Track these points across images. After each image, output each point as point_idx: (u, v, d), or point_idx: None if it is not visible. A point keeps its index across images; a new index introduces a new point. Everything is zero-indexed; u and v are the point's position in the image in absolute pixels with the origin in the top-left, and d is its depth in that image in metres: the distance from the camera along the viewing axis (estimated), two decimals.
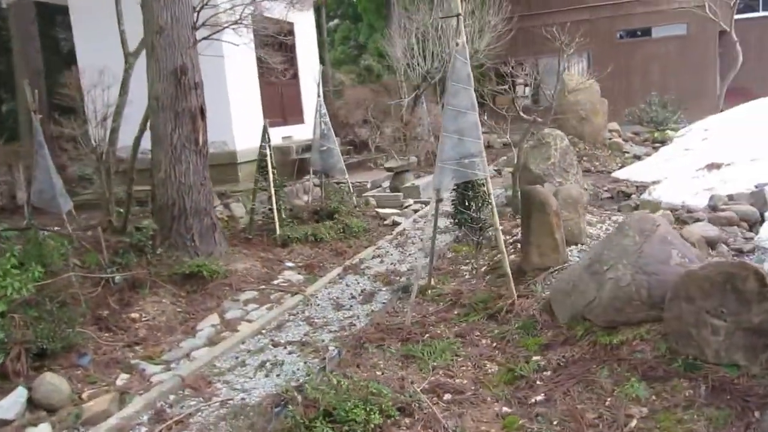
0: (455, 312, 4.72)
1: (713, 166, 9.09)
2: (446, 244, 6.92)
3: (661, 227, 3.41)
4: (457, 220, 4.84)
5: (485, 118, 8.01)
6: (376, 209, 8.90)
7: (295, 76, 12.93)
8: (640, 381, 2.89)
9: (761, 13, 19.85)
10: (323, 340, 4.56)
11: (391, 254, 6.74)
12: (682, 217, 6.86)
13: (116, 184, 6.89)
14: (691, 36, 17.31)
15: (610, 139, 11.83)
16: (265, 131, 7.49)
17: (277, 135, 11.38)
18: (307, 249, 6.98)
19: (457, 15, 4.46)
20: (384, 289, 5.58)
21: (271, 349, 4.54)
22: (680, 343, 2.89)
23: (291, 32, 12.29)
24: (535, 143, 8.20)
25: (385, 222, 8.27)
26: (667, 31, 17.59)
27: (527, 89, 19.61)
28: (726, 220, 6.59)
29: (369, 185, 10.80)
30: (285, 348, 4.52)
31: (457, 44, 4.45)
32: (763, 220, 6.68)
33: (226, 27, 7.21)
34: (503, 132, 7.92)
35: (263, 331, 4.86)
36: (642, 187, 9.30)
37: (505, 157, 14.67)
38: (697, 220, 6.69)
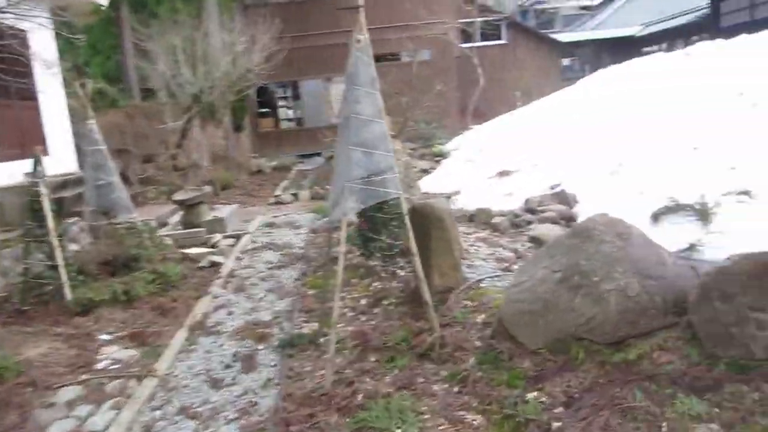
0: (373, 359, 3.94)
1: (504, 174, 9.79)
2: (294, 279, 6.03)
3: (634, 228, 3.19)
4: (364, 250, 4.07)
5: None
6: (182, 250, 7.46)
7: (33, 97, 10.43)
8: (689, 395, 2.57)
9: (499, 42, 22.98)
10: None
11: (238, 302, 5.57)
12: (514, 221, 7.07)
13: None
14: (434, 61, 18.97)
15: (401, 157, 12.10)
16: (36, 163, 5.65)
17: (13, 171, 8.94)
18: (118, 312, 5.39)
19: (358, 6, 3.74)
20: (261, 347, 4.46)
21: None
22: (720, 345, 2.66)
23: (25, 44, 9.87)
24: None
25: (201, 264, 6.95)
26: (413, 56, 18.99)
27: (290, 111, 19.34)
28: (550, 220, 6.99)
29: (154, 223, 9.13)
30: None
31: (358, 41, 3.74)
32: (576, 217, 7.27)
33: None
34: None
35: None
36: (445, 198, 9.58)
37: (286, 181, 14.04)
38: (529, 222, 6.97)
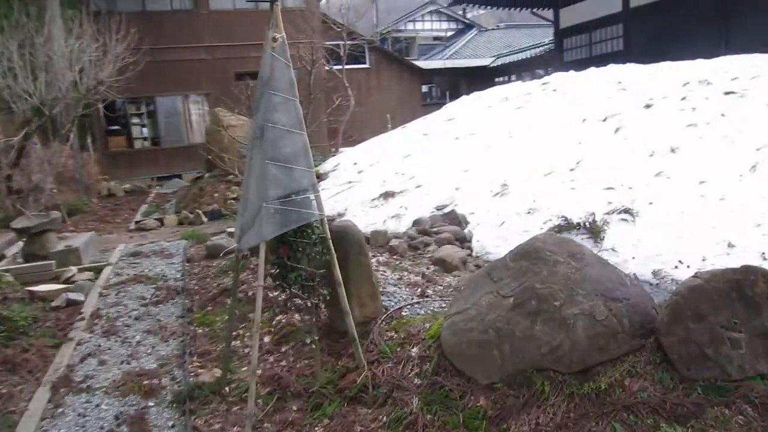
0: (295, 408, 3.40)
1: (389, 195, 9.60)
2: (177, 317, 5.25)
3: (584, 248, 3.03)
4: (281, 281, 3.45)
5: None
6: (28, 288, 6.25)
7: None
8: (671, 424, 2.39)
9: (363, 65, 23.05)
10: None
11: (110, 349, 4.67)
12: (411, 243, 6.85)
13: None
14: (299, 81, 18.56)
15: None
16: None
17: None
18: None
19: (273, 1, 3.25)
20: (151, 404, 3.69)
21: None
22: (694, 367, 2.52)
23: None
24: None
25: (55, 304, 5.85)
26: None
27: (145, 130, 17.79)
28: (446, 241, 6.87)
29: None
30: None
31: (274, 39, 3.24)
32: (469, 238, 7.23)
33: None
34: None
35: None
36: (330, 220, 9.17)
37: (145, 205, 12.76)
38: (426, 244, 6.79)
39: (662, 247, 5.73)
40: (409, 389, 3.21)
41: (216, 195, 10.46)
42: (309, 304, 3.39)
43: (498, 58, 28.74)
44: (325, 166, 13.12)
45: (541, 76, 23.87)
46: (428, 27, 39.64)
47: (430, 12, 39.43)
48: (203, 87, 17.61)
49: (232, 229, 8.14)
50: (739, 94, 8.34)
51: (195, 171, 14.48)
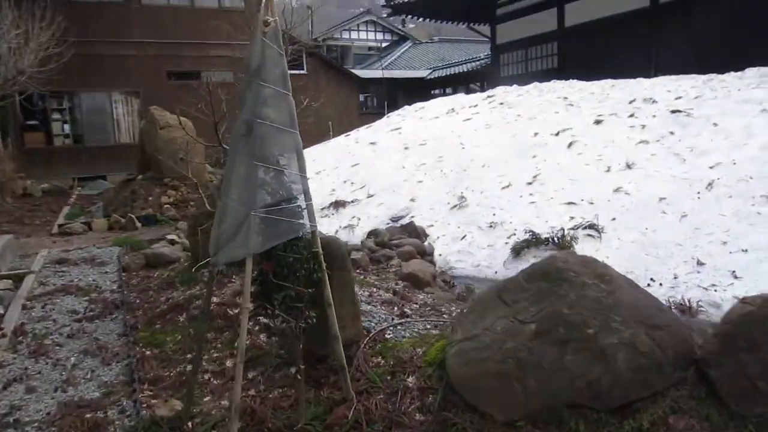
0: None
1: (339, 204, 9.21)
2: (119, 335, 4.64)
3: (611, 268, 2.78)
4: (264, 302, 2.96)
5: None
6: None
7: None
8: None
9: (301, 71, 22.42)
10: None
11: (40, 373, 4.01)
12: (372, 257, 6.49)
13: None
14: (237, 84, 17.83)
15: (212, 181, 10.76)
16: None
17: None
18: None
19: None
20: None
21: None
22: (744, 402, 2.30)
23: None
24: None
25: None
26: (216, 77, 17.65)
27: (67, 126, 16.48)
28: (409, 254, 6.57)
29: None
30: None
31: (267, 23, 2.81)
32: (431, 252, 6.96)
33: None
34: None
35: None
36: None
37: (68, 207, 11.72)
38: (389, 258, 6.45)
39: (632, 264, 5.67)
40: (412, 426, 2.84)
41: (150, 199, 9.68)
42: (295, 328, 2.96)
43: (434, 70, 28.98)
44: None
45: (476, 90, 24.23)
46: (363, 37, 39.57)
47: (366, 22, 39.41)
48: (133, 84, 16.56)
49: (172, 236, 7.50)
50: (684, 113, 8.56)
51: (124, 172, 13.48)
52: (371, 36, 39.77)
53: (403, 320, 4.12)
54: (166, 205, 9.55)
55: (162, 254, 6.45)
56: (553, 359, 2.55)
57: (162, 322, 4.63)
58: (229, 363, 3.94)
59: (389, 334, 3.89)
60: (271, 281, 2.89)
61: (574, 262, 2.76)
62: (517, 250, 6.13)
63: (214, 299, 4.50)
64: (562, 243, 5.96)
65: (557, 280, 2.72)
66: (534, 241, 6.12)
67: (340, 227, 8.59)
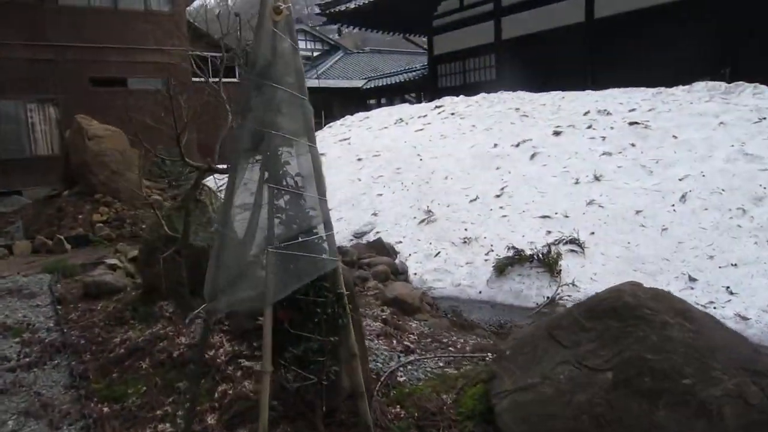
0: None
1: None
2: (66, 388, 3.89)
3: (687, 303, 2.43)
4: (278, 357, 2.36)
5: None
6: None
7: None
8: None
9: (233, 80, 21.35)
10: None
11: None
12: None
13: None
14: (169, 92, 16.73)
15: (149, 196, 9.81)
16: None
17: None
18: None
19: None
20: None
21: None
22: None
23: None
24: (185, 202, 4.91)
25: None
26: (145, 84, 16.51)
27: None
28: (384, 274, 6.12)
29: None
30: None
31: (278, 10, 2.28)
32: (404, 270, 6.53)
33: None
34: None
35: None
36: None
37: None
38: (364, 279, 5.96)
39: (622, 281, 5.44)
40: None
41: (80, 217, 8.68)
42: (317, 385, 2.42)
43: (369, 80, 28.71)
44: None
45: (412, 101, 24.13)
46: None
47: (296, 31, 38.72)
48: (50, 91, 15.15)
49: (112, 260, 6.67)
50: (642, 125, 8.59)
51: (42, 187, 12.21)
52: (302, 45, 39.10)
53: (411, 358, 3.63)
54: (98, 224, 8.60)
55: (104, 282, 5.65)
56: (641, 415, 2.15)
57: (119, 370, 3.91)
58: (211, 419, 3.32)
59: (401, 375, 3.40)
60: (286, 331, 2.35)
61: (645, 296, 2.39)
62: (500, 268, 5.79)
63: (182, 339, 3.85)
64: (547, 260, 5.67)
65: (630, 319, 2.34)
66: (517, 258, 5.80)
67: None
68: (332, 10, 20.93)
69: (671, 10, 13.23)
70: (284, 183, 2.29)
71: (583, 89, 12.39)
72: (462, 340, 4.09)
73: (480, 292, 5.73)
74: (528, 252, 5.82)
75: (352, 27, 23.62)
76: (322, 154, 11.50)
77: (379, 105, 27.17)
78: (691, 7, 12.87)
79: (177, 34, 17.09)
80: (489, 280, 5.83)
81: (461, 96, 13.70)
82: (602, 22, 15.05)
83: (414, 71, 25.03)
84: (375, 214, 8.11)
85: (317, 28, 37.05)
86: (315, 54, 38.28)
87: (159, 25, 16.54)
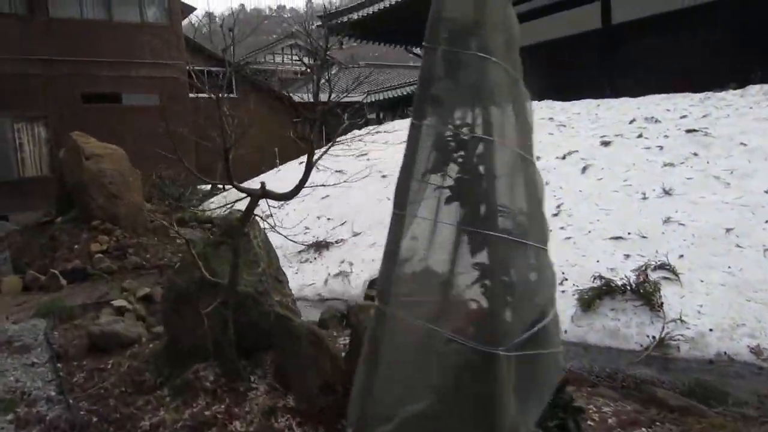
0: None
1: (321, 246, 7.70)
2: None
3: None
4: None
5: None
6: None
7: None
8: None
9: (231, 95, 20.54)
10: None
11: None
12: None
13: None
14: (168, 107, 15.78)
15: (152, 221, 8.84)
16: None
17: None
18: None
19: None
20: None
21: None
22: None
23: None
24: (230, 237, 3.72)
25: None
26: (140, 100, 15.56)
27: None
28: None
29: None
30: None
31: None
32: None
33: None
34: None
35: None
36: None
37: None
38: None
39: (739, 315, 4.56)
40: None
41: (76, 247, 7.68)
42: None
43: (369, 94, 27.92)
44: (215, 212, 10.74)
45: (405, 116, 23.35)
46: (288, 61, 38.28)
47: (290, 46, 38.11)
48: (40, 108, 14.16)
49: (119, 302, 5.69)
50: (701, 132, 7.81)
51: (31, 211, 11.18)
52: (296, 59, 38.46)
53: None
54: (97, 255, 7.60)
55: (114, 333, 4.65)
56: None
57: None
58: None
59: None
60: None
61: None
62: (587, 302, 4.90)
63: (237, 425, 2.89)
64: (643, 290, 4.78)
65: None
66: (606, 289, 4.91)
67: (330, 275, 7.08)
68: (333, 22, 20.20)
69: (691, 15, 12.48)
70: (496, 226, 1.38)
71: (602, 96, 11.66)
72: (592, 407, 3.19)
73: (566, 332, 4.82)
74: (618, 282, 4.93)
75: (352, 40, 22.93)
76: (340, 171, 10.65)
77: (378, 119, 26.43)
78: (712, 11, 12.11)
79: (175, 46, 16.23)
80: (574, 317, 4.93)
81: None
82: (620, 28, 14.34)
83: (409, 86, 24.30)
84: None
85: (311, 42, 36.38)
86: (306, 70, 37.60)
87: (159, 35, 15.66)
